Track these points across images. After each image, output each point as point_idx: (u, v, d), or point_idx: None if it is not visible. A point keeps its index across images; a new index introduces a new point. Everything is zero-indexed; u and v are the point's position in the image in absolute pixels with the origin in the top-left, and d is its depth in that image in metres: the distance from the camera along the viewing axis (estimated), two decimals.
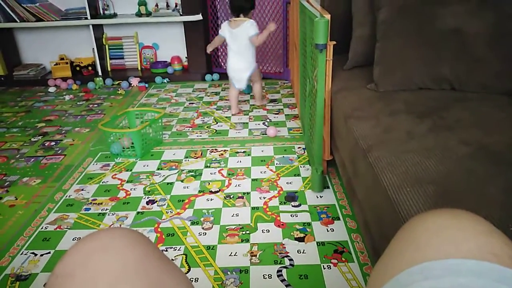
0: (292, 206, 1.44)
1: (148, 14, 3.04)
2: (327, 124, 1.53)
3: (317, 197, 1.48)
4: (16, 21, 2.98)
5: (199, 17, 2.88)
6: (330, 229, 1.30)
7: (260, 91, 2.43)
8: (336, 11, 1.76)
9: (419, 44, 1.27)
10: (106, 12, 3.10)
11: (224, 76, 3.12)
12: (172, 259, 1.19)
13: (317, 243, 1.24)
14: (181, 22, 2.99)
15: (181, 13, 2.94)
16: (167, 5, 3.04)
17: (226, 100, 2.60)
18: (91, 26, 3.01)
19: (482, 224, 0.42)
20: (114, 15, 3.11)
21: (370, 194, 0.98)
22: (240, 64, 2.25)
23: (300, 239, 1.26)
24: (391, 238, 0.78)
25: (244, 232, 1.31)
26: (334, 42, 1.33)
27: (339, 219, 1.36)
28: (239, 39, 2.19)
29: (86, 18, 2.97)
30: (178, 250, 1.24)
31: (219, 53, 3.19)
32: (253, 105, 2.48)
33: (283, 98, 2.59)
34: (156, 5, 3.04)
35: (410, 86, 1.29)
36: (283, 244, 1.24)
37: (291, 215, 1.38)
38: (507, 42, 1.19)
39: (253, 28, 2.16)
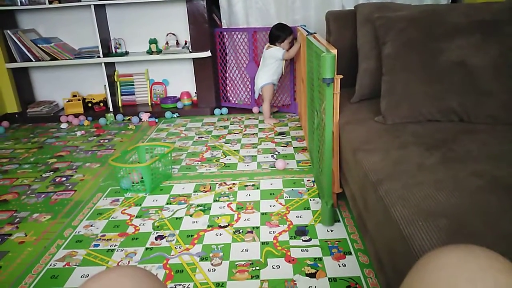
0: (303, 240, 1.41)
1: (159, 51, 3.13)
2: (336, 157, 1.52)
3: (328, 231, 1.46)
4: (32, 61, 3.09)
5: (208, 53, 2.96)
6: (342, 264, 1.27)
7: (266, 110, 2.81)
8: (342, 45, 1.80)
9: (426, 77, 1.28)
10: (118, 50, 3.20)
11: (232, 110, 3.17)
12: None
13: (329, 279, 1.21)
14: (191, 58, 3.07)
15: (190, 50, 3.02)
16: (177, 43, 3.14)
17: (235, 133, 2.63)
18: (103, 64, 3.10)
19: (500, 262, 0.41)
20: (126, 53, 3.21)
21: (382, 228, 0.96)
22: (259, 76, 2.80)
23: (312, 275, 1.23)
24: (405, 273, 0.76)
25: (254, 268, 1.28)
26: (341, 76, 1.35)
27: (351, 253, 1.33)
28: (265, 59, 2.76)
29: (99, 57, 3.07)
30: (187, 287, 1.21)
31: (228, 88, 3.25)
32: (261, 138, 2.50)
33: (291, 131, 2.61)
34: (167, 43, 3.13)
35: (418, 118, 1.30)
36: (294, 281, 1.21)
37: (301, 250, 1.36)
38: None
39: (279, 50, 2.68)
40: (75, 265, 1.36)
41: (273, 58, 2.70)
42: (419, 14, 1.38)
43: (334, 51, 1.31)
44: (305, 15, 2.95)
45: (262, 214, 1.61)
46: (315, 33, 2.02)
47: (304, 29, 2.39)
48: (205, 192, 1.83)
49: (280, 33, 2.69)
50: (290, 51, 2.68)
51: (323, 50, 1.36)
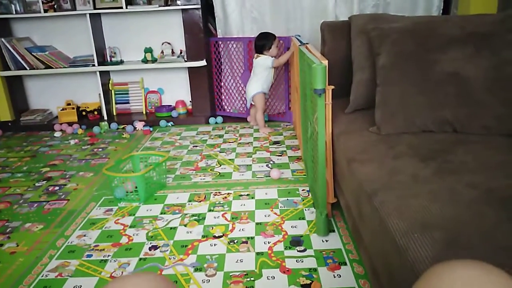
0: (298, 251, 1.41)
1: (154, 60, 3.14)
2: (329, 167, 1.53)
3: (323, 241, 1.46)
4: (26, 69, 3.08)
5: (203, 62, 2.97)
6: (337, 275, 1.27)
7: (260, 119, 2.82)
8: (337, 56, 1.82)
9: (420, 88, 1.29)
10: (113, 59, 3.20)
11: (227, 119, 3.17)
12: None
13: None
14: (186, 67, 3.07)
15: (185, 59, 3.03)
16: (172, 52, 3.14)
17: (230, 142, 2.62)
18: (98, 73, 3.09)
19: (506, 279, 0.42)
20: (121, 62, 3.21)
21: (377, 239, 0.96)
22: (250, 85, 2.81)
23: (307, 286, 1.22)
24: (400, 284, 0.76)
25: (248, 279, 1.27)
26: (333, 87, 1.35)
27: (346, 264, 1.32)
28: (255, 68, 2.78)
29: (94, 65, 3.07)
30: None
31: (223, 97, 3.25)
32: (256, 147, 2.50)
33: (286, 140, 2.61)
34: (162, 52, 3.14)
35: (413, 129, 1.30)
36: None
37: (296, 261, 1.35)
38: (506, 85, 1.21)
39: (267, 59, 2.71)
40: (68, 275, 1.34)
41: (262, 67, 2.73)
42: (413, 25, 1.40)
43: (325, 62, 1.32)
44: (300, 25, 2.98)
45: (257, 224, 1.60)
46: (307, 43, 2.04)
47: (298, 39, 2.40)
48: (200, 201, 1.82)
49: (264, 42, 2.72)
50: (280, 59, 2.72)
51: (314, 61, 1.37)
